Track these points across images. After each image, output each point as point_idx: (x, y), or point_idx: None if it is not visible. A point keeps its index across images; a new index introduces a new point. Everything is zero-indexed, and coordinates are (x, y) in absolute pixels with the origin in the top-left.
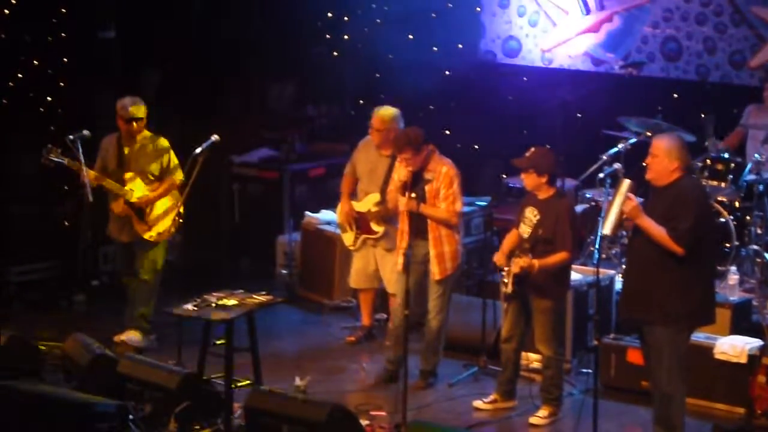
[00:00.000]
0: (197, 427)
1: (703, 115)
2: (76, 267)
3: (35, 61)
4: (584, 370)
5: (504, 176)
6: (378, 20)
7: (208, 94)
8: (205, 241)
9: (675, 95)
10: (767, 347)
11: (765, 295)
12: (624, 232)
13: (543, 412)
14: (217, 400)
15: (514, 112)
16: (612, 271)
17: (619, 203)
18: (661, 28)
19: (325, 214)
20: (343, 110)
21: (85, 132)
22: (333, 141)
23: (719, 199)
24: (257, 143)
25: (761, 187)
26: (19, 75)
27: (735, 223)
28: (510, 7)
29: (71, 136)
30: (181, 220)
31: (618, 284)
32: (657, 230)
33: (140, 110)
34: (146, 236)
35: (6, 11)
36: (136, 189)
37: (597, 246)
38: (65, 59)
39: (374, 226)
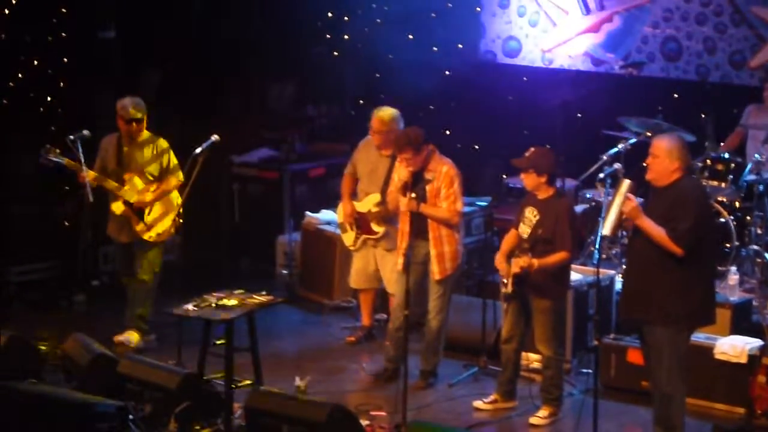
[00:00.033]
0: (197, 427)
1: (703, 116)
2: (76, 267)
3: (35, 61)
4: (584, 370)
5: (504, 176)
6: (378, 20)
7: (208, 94)
8: (205, 241)
9: (675, 95)
10: (767, 347)
11: (765, 296)
12: (624, 233)
13: (543, 412)
14: (217, 400)
15: (514, 112)
16: (612, 271)
17: (618, 204)
18: (661, 28)
19: (325, 214)
20: (343, 110)
21: (85, 132)
22: (333, 141)
23: (719, 199)
24: (257, 143)
25: (761, 188)
26: (19, 75)
27: (735, 223)
28: (510, 7)
29: (71, 136)
30: (181, 221)
31: (618, 284)
32: (657, 231)
33: (140, 111)
34: (145, 237)
35: (6, 11)
36: (135, 189)
37: (597, 246)
38: (65, 59)
39: (375, 227)
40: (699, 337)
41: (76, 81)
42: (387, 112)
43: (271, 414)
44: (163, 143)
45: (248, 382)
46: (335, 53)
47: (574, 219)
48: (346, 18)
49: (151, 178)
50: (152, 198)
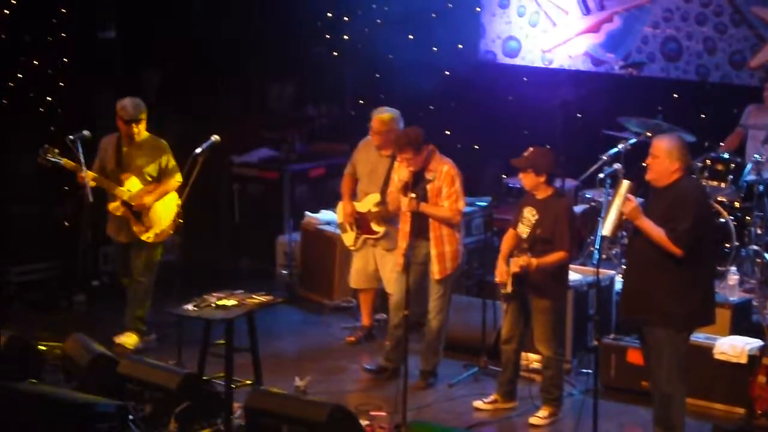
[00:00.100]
0: (197, 427)
1: (703, 116)
2: (76, 267)
3: (35, 61)
4: (584, 371)
5: (504, 176)
6: (378, 20)
7: (208, 94)
8: (205, 241)
9: (675, 95)
10: (767, 347)
11: (765, 296)
12: (624, 233)
13: (543, 413)
14: (217, 400)
15: (514, 112)
16: (612, 272)
17: (618, 204)
18: (661, 28)
19: (325, 214)
20: (343, 110)
21: (86, 132)
22: (333, 141)
23: (719, 199)
24: (257, 143)
25: (761, 188)
26: (19, 75)
27: (735, 223)
28: (510, 8)
29: (71, 137)
30: (180, 221)
31: (618, 284)
32: (656, 231)
33: (140, 112)
34: (144, 237)
35: (6, 11)
36: (134, 190)
37: (597, 246)
38: (65, 59)
39: (375, 227)
40: (699, 337)
41: (76, 81)
42: (387, 112)
43: (271, 414)
44: (162, 144)
45: (248, 382)
46: (335, 53)
47: (573, 219)
48: (346, 18)
49: (149, 179)
50: (151, 200)
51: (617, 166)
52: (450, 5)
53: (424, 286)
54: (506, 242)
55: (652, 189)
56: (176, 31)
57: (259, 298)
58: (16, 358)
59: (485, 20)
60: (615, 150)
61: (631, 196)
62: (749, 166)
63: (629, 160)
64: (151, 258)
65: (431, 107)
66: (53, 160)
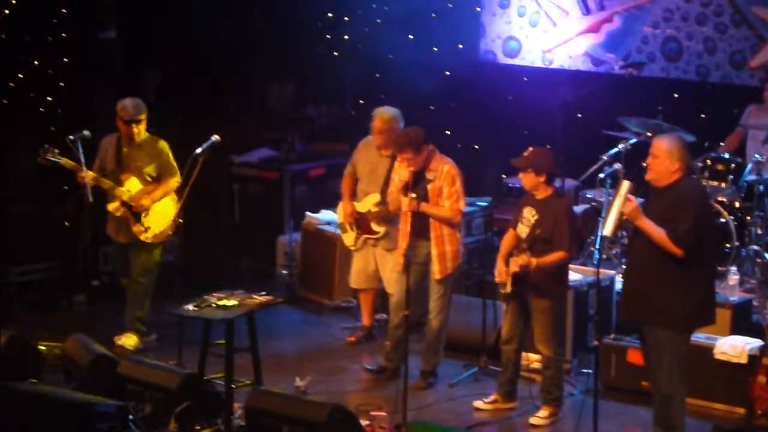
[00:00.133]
0: (197, 427)
1: (703, 116)
2: (76, 267)
3: (35, 61)
4: (584, 371)
5: (504, 176)
6: (378, 20)
7: (208, 94)
8: (205, 241)
9: (675, 95)
10: (767, 347)
11: (765, 296)
12: (624, 233)
13: (543, 413)
14: (217, 401)
15: (514, 112)
16: (612, 272)
17: (618, 204)
18: (661, 28)
19: (325, 214)
20: (343, 110)
21: (86, 132)
22: (333, 141)
23: (719, 199)
24: (257, 143)
25: (761, 188)
26: (19, 75)
27: (735, 223)
28: (510, 7)
29: (71, 137)
30: (181, 221)
31: (618, 284)
32: (656, 232)
33: (140, 112)
34: (143, 238)
35: (6, 11)
36: (134, 190)
37: (597, 246)
38: (65, 59)
39: (375, 227)
40: (699, 337)
41: (76, 81)
42: (388, 111)
43: (271, 414)
44: (162, 145)
45: (248, 382)
46: (335, 53)
47: (572, 219)
48: (346, 18)
49: (149, 179)
50: (150, 201)
51: (617, 166)
52: (450, 5)
53: (425, 286)
54: (506, 242)
55: (652, 189)
56: (176, 31)
57: (260, 298)
58: (16, 358)
59: (485, 20)
60: (615, 150)
61: (631, 197)
62: (749, 166)
63: (629, 160)
64: (150, 258)
65: (431, 107)
66: (53, 159)
